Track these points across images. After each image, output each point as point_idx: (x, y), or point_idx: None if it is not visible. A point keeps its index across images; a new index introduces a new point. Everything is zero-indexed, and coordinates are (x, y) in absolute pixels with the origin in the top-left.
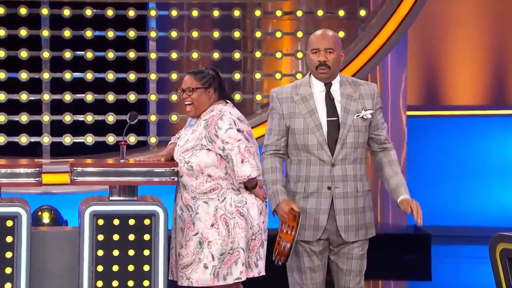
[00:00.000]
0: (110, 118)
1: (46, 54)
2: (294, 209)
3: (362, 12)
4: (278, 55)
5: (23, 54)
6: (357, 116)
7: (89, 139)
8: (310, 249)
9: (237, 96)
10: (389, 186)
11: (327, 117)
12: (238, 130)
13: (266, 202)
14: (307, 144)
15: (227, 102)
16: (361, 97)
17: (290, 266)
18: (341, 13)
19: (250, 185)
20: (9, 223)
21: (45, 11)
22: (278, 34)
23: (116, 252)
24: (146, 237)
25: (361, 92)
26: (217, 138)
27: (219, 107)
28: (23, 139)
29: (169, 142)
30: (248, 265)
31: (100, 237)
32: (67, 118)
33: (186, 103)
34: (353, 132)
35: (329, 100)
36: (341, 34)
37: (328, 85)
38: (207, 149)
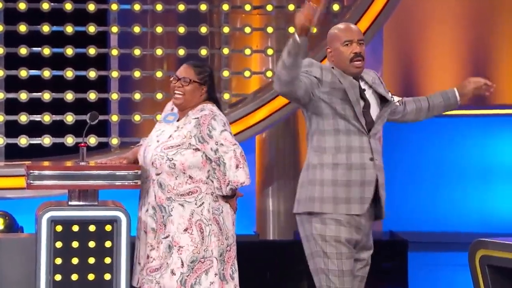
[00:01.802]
0: (69, 118)
1: (0, 51)
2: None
3: (335, 7)
4: (247, 51)
5: None
6: (392, 98)
7: (47, 140)
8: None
9: None
10: (439, 99)
11: (363, 108)
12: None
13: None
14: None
15: (213, 104)
16: (380, 82)
17: (319, 268)
18: None
19: (229, 194)
20: None
21: None
22: (247, 30)
23: (75, 260)
24: (108, 244)
25: (377, 78)
26: (210, 139)
27: (209, 107)
28: None
29: (137, 145)
30: (223, 277)
31: (58, 244)
32: (23, 118)
33: (178, 92)
34: (386, 111)
35: (360, 93)
36: (314, 29)
37: (356, 79)
38: (194, 149)
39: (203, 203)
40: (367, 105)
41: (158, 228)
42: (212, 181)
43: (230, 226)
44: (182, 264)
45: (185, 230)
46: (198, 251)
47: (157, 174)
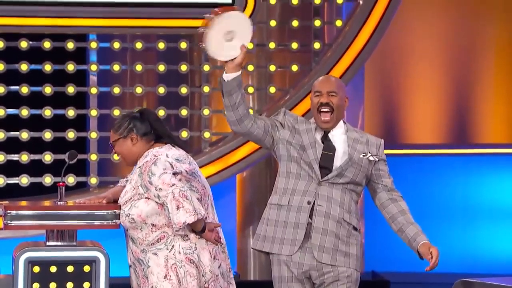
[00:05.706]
0: (47, 157)
1: None
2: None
3: (316, 45)
4: None
5: None
6: (363, 155)
7: (24, 180)
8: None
9: (184, 134)
10: (406, 237)
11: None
12: (175, 174)
13: (221, 244)
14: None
15: (165, 143)
16: (367, 143)
17: None
18: (294, 45)
19: (197, 230)
20: None
21: None
22: None
23: None
24: (86, 285)
25: (367, 139)
26: (151, 186)
27: (153, 151)
28: None
29: (117, 185)
30: None
31: (36, 285)
32: (0, 157)
33: (117, 156)
34: (354, 168)
35: (326, 145)
36: (294, 67)
37: (327, 131)
38: (145, 198)
39: (173, 246)
40: (330, 154)
41: (141, 282)
42: None
43: (207, 261)
44: None
45: (165, 277)
46: None
47: (126, 230)
